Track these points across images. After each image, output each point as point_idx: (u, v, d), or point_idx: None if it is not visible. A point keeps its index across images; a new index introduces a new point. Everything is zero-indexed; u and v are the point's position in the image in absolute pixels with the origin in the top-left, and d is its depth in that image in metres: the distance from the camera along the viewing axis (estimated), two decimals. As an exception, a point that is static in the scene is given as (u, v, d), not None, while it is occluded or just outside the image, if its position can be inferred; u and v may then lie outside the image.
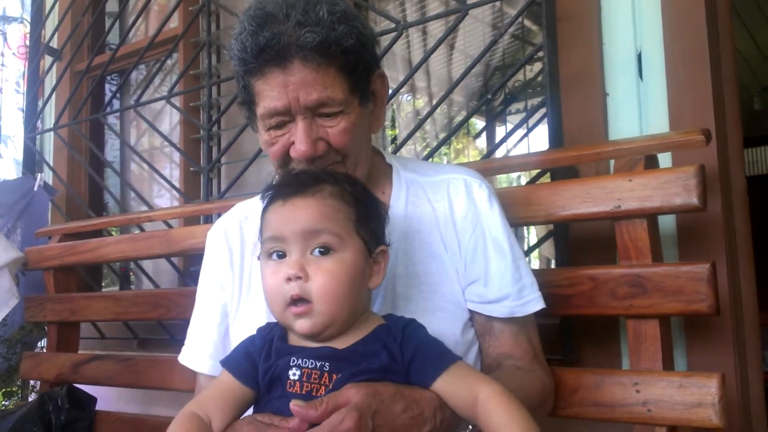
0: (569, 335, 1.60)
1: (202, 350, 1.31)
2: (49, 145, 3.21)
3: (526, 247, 2.21)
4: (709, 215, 1.50)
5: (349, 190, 1.03)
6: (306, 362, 0.96)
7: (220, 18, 2.71)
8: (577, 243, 1.64)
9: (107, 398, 2.19)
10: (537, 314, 1.24)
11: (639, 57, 1.68)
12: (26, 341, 2.58)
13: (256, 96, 1.15)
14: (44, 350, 2.59)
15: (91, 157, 3.01)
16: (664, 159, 1.50)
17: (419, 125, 1.99)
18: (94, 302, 2.25)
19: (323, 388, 0.95)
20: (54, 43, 3.11)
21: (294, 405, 0.91)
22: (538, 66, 2.86)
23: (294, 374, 0.96)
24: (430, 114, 1.98)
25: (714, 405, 1.21)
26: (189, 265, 2.56)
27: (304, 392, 0.95)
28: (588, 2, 1.72)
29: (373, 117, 1.24)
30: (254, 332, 1.08)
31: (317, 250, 0.98)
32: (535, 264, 3.53)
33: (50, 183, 3.03)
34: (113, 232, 2.91)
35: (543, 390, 1.21)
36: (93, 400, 2.11)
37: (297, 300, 0.96)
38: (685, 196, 1.28)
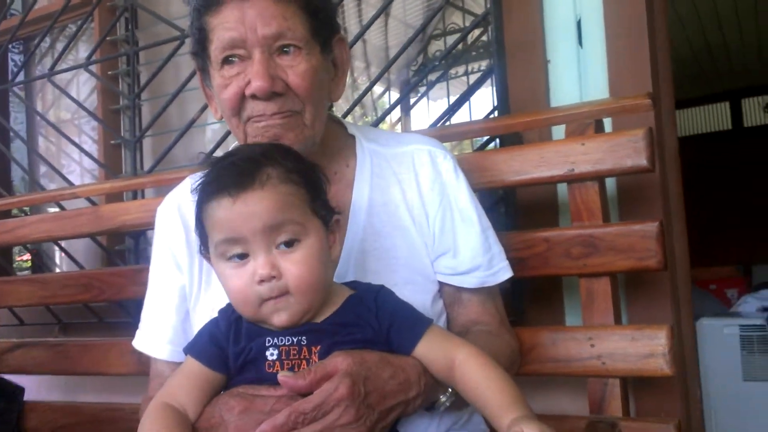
0: (519, 297, 1.64)
1: (159, 335, 1.25)
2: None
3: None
4: (649, 176, 1.57)
5: (293, 168, 0.97)
6: (282, 340, 0.95)
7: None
8: (523, 208, 1.67)
9: (35, 387, 2.07)
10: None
11: (578, 24, 1.72)
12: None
13: (210, 33, 1.10)
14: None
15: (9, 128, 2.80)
16: (607, 124, 1.55)
17: (358, 100, 1.97)
18: (15, 287, 2.11)
19: (304, 362, 0.95)
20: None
21: (282, 376, 0.91)
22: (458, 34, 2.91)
23: (272, 354, 0.95)
24: (368, 89, 1.96)
25: (665, 355, 1.28)
26: (115, 243, 2.45)
27: (285, 370, 0.93)
28: (529, -31, 1.74)
29: (334, 84, 1.20)
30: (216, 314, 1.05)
31: (282, 243, 0.94)
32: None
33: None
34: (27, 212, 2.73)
35: (511, 353, 1.24)
36: (21, 390, 1.99)
37: (272, 299, 0.94)
38: (635, 158, 1.33)
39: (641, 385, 1.56)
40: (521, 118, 1.52)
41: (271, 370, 0.94)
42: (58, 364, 1.97)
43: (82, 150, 2.38)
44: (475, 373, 0.97)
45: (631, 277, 1.60)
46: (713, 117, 7.20)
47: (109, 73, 2.54)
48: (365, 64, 2.64)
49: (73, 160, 3.13)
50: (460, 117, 2.00)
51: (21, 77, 2.94)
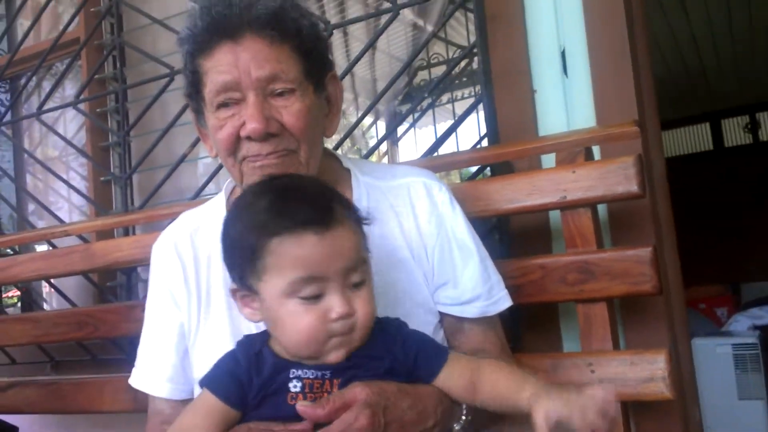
0: (516, 324, 1.64)
1: (158, 373, 1.24)
2: (-69, 158, 2.95)
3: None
4: (640, 202, 1.60)
5: (353, 207, 1.01)
6: (306, 373, 0.95)
7: (123, 20, 2.59)
8: (517, 235, 1.69)
9: (29, 426, 2.05)
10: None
11: (563, 54, 1.75)
12: (-77, 374, 2.36)
13: (204, 76, 1.10)
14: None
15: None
16: (595, 151, 1.58)
17: (348, 133, 1.99)
18: (6, 326, 2.10)
19: (326, 395, 0.94)
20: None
21: (300, 405, 0.91)
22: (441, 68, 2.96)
23: (295, 386, 0.94)
24: (358, 122, 1.98)
25: (664, 379, 1.29)
26: (107, 279, 2.43)
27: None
28: (513, 1, 1.78)
29: (328, 121, 1.22)
30: (218, 350, 1.03)
31: (355, 284, 0.95)
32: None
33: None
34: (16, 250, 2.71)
35: None
36: (15, 429, 1.98)
37: (341, 335, 0.95)
38: (625, 184, 1.35)
39: (641, 410, 1.57)
40: (511, 147, 1.55)
41: (293, 402, 0.94)
42: (52, 402, 1.95)
43: (71, 187, 2.38)
44: (492, 375, 1.01)
45: (626, 302, 1.61)
46: (695, 138, 7.31)
47: (98, 110, 2.54)
48: (353, 96, 2.67)
49: (62, 196, 3.12)
50: (447, 144, 2.02)
51: (9, 116, 2.95)
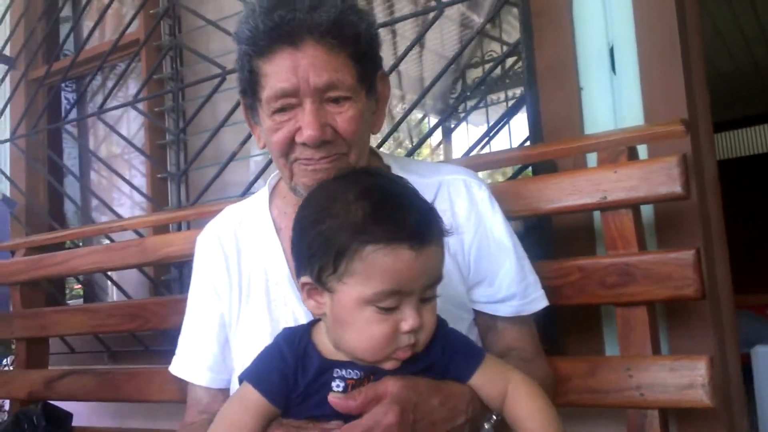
0: (554, 326, 1.62)
1: (199, 361, 1.28)
2: (4, 156, 3.10)
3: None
4: (686, 203, 1.55)
5: (444, 221, 0.98)
6: (350, 373, 0.95)
7: (181, 21, 2.67)
8: (560, 236, 1.66)
9: (83, 413, 2.13)
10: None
11: (611, 51, 1.72)
12: (-9, 360, 2.50)
13: (262, 78, 1.12)
14: (10, 368, 2.51)
15: (50, 166, 2.92)
16: (641, 150, 1.54)
17: (393, 129, 2.00)
18: (66, 316, 2.19)
19: None
20: (7, 51, 3.01)
21: (332, 397, 0.92)
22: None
23: (338, 386, 0.95)
24: (404, 117, 1.99)
25: (704, 386, 1.25)
26: (161, 274, 2.51)
27: None
28: (560, -2, 1.75)
29: (375, 117, 1.23)
30: (256, 340, 1.06)
31: (429, 297, 0.95)
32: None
33: (8, 195, 2.93)
34: (79, 244, 2.83)
35: (546, 379, 1.23)
36: (69, 416, 2.06)
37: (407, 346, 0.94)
38: (669, 185, 1.31)
39: (683, 417, 1.52)
40: (554, 147, 1.53)
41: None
42: (105, 391, 2.03)
43: (130, 184, 2.46)
44: (523, 402, 0.99)
45: (671, 306, 1.57)
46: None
47: (156, 109, 2.63)
48: (401, 93, 2.68)
49: (124, 193, 3.23)
50: (501, 143, 2.01)
51: (74, 115, 3.08)
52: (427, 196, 1.23)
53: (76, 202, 2.95)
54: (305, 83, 1.08)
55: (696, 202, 1.55)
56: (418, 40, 1.77)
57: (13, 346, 2.48)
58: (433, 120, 3.64)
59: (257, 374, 0.99)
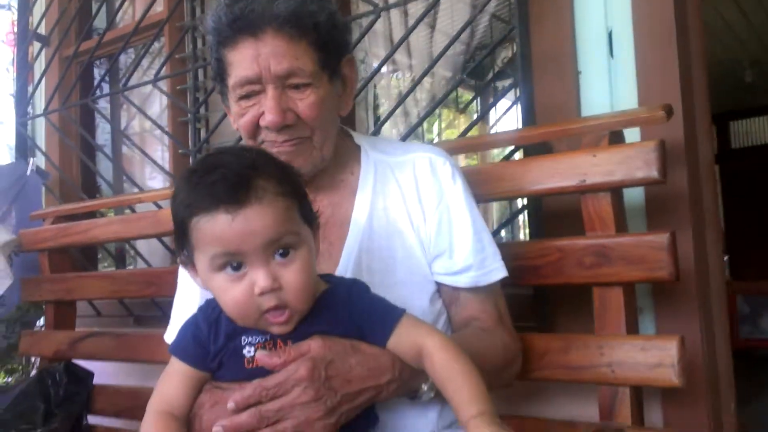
0: (542, 304, 1.67)
1: None
2: (40, 130, 3.25)
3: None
4: (675, 187, 1.57)
5: (283, 178, 0.99)
6: (257, 338, 1.00)
7: (204, 2, 2.75)
8: (549, 217, 1.70)
9: (104, 373, 2.26)
10: (508, 284, 1.32)
11: (610, 35, 1.73)
12: (25, 320, 2.65)
13: (228, 66, 1.20)
14: (43, 329, 2.66)
15: (82, 141, 3.05)
16: (634, 135, 1.56)
17: (400, 102, 2.05)
18: (89, 281, 2.32)
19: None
20: (42, 29, 3.13)
21: (259, 354, 0.98)
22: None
23: (249, 352, 1.00)
24: (410, 91, 2.03)
25: (673, 366, 1.28)
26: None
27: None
28: (559, -19, 1.76)
29: (342, 100, 1.30)
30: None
31: (279, 254, 0.96)
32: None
33: (43, 167, 3.08)
34: (110, 215, 2.97)
35: (506, 351, 1.28)
36: (90, 374, 2.19)
37: (273, 308, 0.96)
38: (645, 169, 1.34)
39: (668, 396, 1.56)
40: (539, 130, 1.57)
41: (249, 366, 1.00)
42: (123, 352, 2.15)
43: (149, 158, 2.57)
44: (441, 365, 1.01)
45: (659, 288, 1.60)
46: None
47: (177, 87, 2.72)
48: (411, 75, 2.71)
49: (155, 168, 3.36)
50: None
51: (107, 91, 3.20)
52: (395, 173, 1.31)
53: (107, 176, 3.07)
54: (267, 71, 1.15)
55: (683, 187, 1.57)
56: (419, 22, 1.81)
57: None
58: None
59: (179, 344, 1.05)
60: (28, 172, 2.91)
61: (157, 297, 2.22)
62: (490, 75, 3.31)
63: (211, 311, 1.04)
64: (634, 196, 1.62)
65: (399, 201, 1.28)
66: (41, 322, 2.71)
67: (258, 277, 0.94)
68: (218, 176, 0.95)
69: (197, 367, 1.04)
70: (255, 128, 1.20)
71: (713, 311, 1.64)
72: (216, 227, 0.93)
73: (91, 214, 2.52)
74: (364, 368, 1.02)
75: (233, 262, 0.95)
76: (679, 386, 1.28)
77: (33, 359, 2.67)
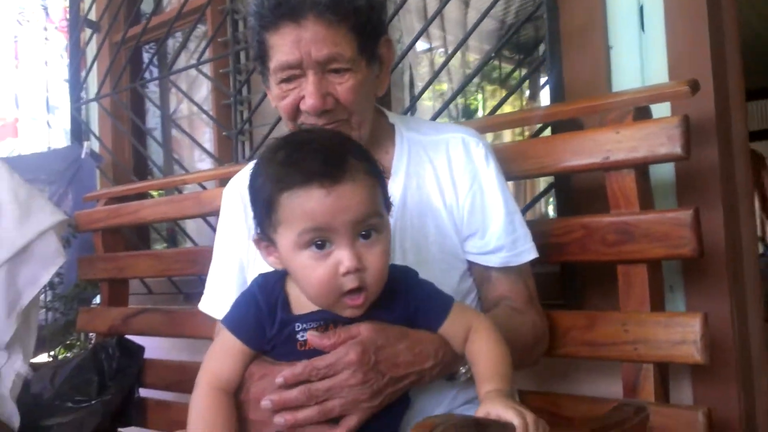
0: (570, 281, 1.67)
1: (223, 299, 1.40)
2: (94, 114, 3.38)
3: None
4: (706, 164, 1.55)
5: (371, 160, 1.03)
6: (310, 324, 1.03)
7: (246, -15, 2.80)
8: (577, 194, 1.70)
9: (154, 347, 2.37)
10: (537, 263, 1.34)
11: (641, 8, 1.70)
12: (82, 298, 2.80)
13: (269, 50, 1.23)
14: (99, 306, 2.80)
15: (133, 124, 3.16)
16: (665, 111, 1.54)
17: (432, 79, 2.06)
18: (139, 260, 2.42)
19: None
20: (92, 16, 3.24)
21: (311, 335, 1.01)
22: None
23: (302, 336, 1.03)
24: (442, 67, 2.05)
25: (696, 342, 1.28)
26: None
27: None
28: (589, -44, 1.74)
29: (378, 81, 1.33)
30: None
31: (362, 236, 0.97)
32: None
33: (96, 151, 3.21)
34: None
35: (535, 330, 1.31)
36: (141, 349, 2.30)
37: (354, 290, 0.98)
38: (669, 146, 1.33)
39: (698, 372, 1.55)
40: (565, 107, 1.57)
41: (302, 349, 1.03)
42: (171, 328, 2.25)
43: (194, 141, 2.67)
44: (477, 343, 1.06)
45: (689, 265, 1.58)
46: None
47: (221, 71, 2.79)
48: (444, 49, 2.71)
49: (204, 149, 3.46)
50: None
51: (156, 75, 3.31)
52: (428, 153, 1.34)
53: (157, 159, 3.18)
54: (307, 56, 1.18)
55: (714, 162, 1.55)
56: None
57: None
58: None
59: (236, 320, 1.07)
60: (83, 156, 3.04)
61: (202, 275, 2.30)
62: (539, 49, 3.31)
63: (271, 293, 1.06)
64: (664, 172, 1.61)
65: (432, 180, 1.32)
66: (98, 299, 2.85)
67: (344, 257, 0.96)
68: (311, 152, 0.98)
69: (251, 345, 1.06)
70: (295, 111, 1.24)
71: (746, 289, 1.62)
72: (310, 202, 0.95)
73: (142, 196, 2.64)
74: (411, 353, 1.05)
75: (319, 239, 0.96)
76: (702, 363, 1.28)
77: (90, 335, 2.82)
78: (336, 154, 0.98)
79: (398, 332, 1.06)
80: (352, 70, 1.21)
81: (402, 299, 1.07)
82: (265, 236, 1.04)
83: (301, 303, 1.05)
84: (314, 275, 0.98)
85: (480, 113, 3.53)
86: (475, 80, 3.13)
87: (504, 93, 3.96)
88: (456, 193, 1.31)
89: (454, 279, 1.29)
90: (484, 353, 1.05)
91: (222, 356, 1.08)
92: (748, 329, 1.62)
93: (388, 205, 1.06)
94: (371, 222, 0.98)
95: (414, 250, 1.28)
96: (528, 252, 1.31)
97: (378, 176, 1.03)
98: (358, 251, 0.97)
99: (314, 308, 1.03)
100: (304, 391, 1.01)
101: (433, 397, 1.18)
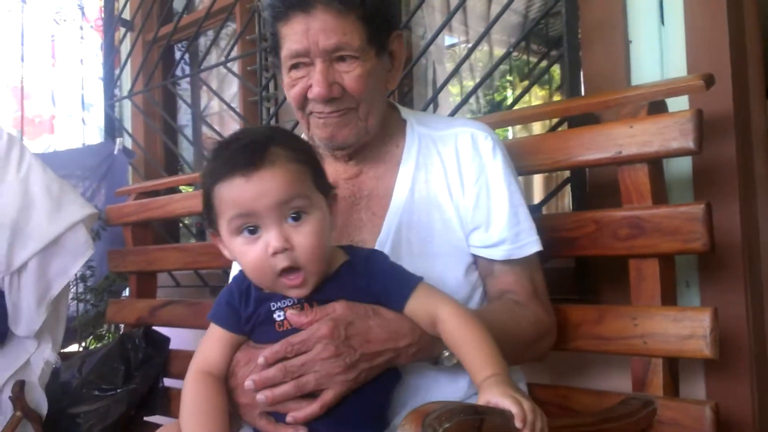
0: (584, 277, 1.67)
1: None
2: (127, 111, 3.46)
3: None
4: (724, 158, 1.53)
5: (297, 148, 1.07)
6: (284, 302, 1.08)
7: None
8: (594, 189, 1.70)
9: (180, 339, 2.43)
10: (550, 258, 1.35)
11: (661, 3, 1.69)
12: (112, 290, 2.87)
13: (281, 40, 1.27)
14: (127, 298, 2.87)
15: (165, 121, 3.24)
16: (683, 106, 1.53)
17: (453, 72, 2.07)
18: (167, 253, 2.48)
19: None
20: (126, 14, 3.33)
21: (290, 313, 1.06)
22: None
23: (279, 316, 1.08)
24: (463, 60, 2.05)
25: (705, 337, 1.27)
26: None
27: (294, 327, 1.07)
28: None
29: (390, 75, 1.35)
30: None
31: (291, 217, 1.03)
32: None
33: (129, 147, 3.29)
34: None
35: (538, 324, 1.31)
36: (167, 340, 2.36)
37: (287, 269, 1.03)
38: (681, 140, 1.32)
39: (712, 368, 1.54)
40: (579, 102, 1.57)
41: (281, 329, 1.08)
42: (195, 319, 2.29)
43: (220, 136, 2.70)
44: (453, 331, 1.07)
45: (704, 260, 1.57)
46: None
47: (248, 68, 2.84)
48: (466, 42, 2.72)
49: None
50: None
51: (188, 73, 3.38)
52: (437, 147, 1.35)
53: (186, 156, 3.25)
54: (315, 45, 1.21)
55: (732, 157, 1.53)
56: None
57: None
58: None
59: (215, 310, 1.14)
60: (116, 152, 3.12)
61: (227, 267, 2.35)
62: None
63: (242, 279, 1.12)
64: (682, 167, 1.60)
65: (440, 174, 1.33)
66: (127, 292, 2.92)
67: (271, 238, 1.01)
68: (237, 146, 1.05)
69: (231, 330, 1.12)
70: (303, 100, 1.27)
71: (764, 284, 1.60)
72: (233, 190, 1.02)
73: (172, 191, 2.70)
74: (384, 330, 1.08)
75: (250, 225, 1.02)
76: (712, 357, 1.27)
77: (120, 326, 2.89)
78: (258, 145, 1.04)
79: (371, 310, 1.10)
80: (360, 59, 1.24)
81: (366, 279, 1.10)
82: (216, 231, 1.10)
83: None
84: (248, 258, 1.04)
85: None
86: (508, 76, 3.14)
87: (537, 88, 3.98)
88: (463, 187, 1.32)
89: (459, 273, 1.30)
90: (464, 338, 1.05)
91: (209, 344, 1.14)
92: (765, 325, 1.60)
93: (324, 188, 1.10)
94: (296, 204, 1.03)
95: (420, 244, 1.30)
96: (531, 245, 1.31)
97: (304, 162, 1.07)
98: (286, 232, 1.02)
99: None
100: (281, 368, 1.05)
101: (443, 384, 1.20)
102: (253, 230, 1.03)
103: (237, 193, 1.02)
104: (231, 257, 1.11)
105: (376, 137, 1.35)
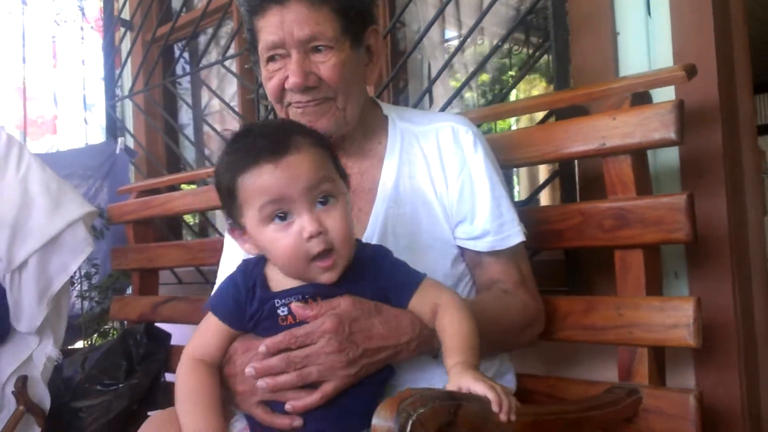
0: (573, 268, 1.69)
1: None
2: (128, 111, 3.50)
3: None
4: (710, 149, 1.55)
5: (315, 134, 1.11)
6: (289, 299, 1.08)
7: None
8: (583, 181, 1.71)
9: (181, 335, 2.45)
10: (539, 250, 1.35)
11: (648, -6, 1.70)
12: (116, 287, 2.91)
13: (257, 34, 1.30)
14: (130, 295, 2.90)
15: (166, 120, 3.26)
16: (669, 96, 1.54)
17: (446, 64, 2.08)
18: (168, 250, 2.52)
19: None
20: (126, 14, 3.35)
21: (295, 305, 1.07)
22: None
23: (283, 311, 1.08)
24: (454, 54, 2.07)
25: (688, 326, 1.28)
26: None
27: (297, 321, 1.08)
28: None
29: (368, 69, 1.37)
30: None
31: (320, 201, 1.04)
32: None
33: (131, 146, 3.32)
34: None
35: (525, 312, 1.33)
36: (168, 336, 2.39)
37: (321, 253, 1.03)
38: (663, 131, 1.33)
39: (701, 358, 1.56)
40: (566, 95, 1.58)
41: (283, 323, 1.08)
42: (197, 316, 2.28)
43: (219, 135, 2.73)
44: (445, 318, 1.09)
45: (693, 250, 1.58)
46: None
47: (246, 66, 2.87)
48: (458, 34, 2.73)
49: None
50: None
51: (187, 71, 3.40)
52: (420, 142, 1.37)
53: (187, 154, 3.28)
54: (290, 36, 1.24)
55: (717, 147, 1.54)
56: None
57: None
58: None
59: (217, 302, 1.14)
60: (117, 151, 3.16)
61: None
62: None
63: (250, 272, 1.12)
64: (669, 158, 1.61)
65: (423, 169, 1.35)
66: (131, 289, 2.96)
67: (305, 222, 1.02)
68: (256, 136, 1.06)
69: (233, 326, 1.12)
70: (281, 91, 1.29)
71: (752, 274, 1.61)
72: (262, 177, 1.02)
73: (173, 189, 2.73)
74: (386, 327, 1.10)
75: (280, 211, 1.03)
76: (695, 346, 1.28)
77: (125, 323, 2.93)
78: (280, 132, 1.06)
79: (374, 307, 1.11)
80: (335, 50, 1.26)
81: (373, 275, 1.11)
82: (237, 224, 1.11)
83: (279, 282, 1.10)
84: (281, 245, 1.04)
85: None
86: (510, 71, 3.15)
87: (539, 79, 3.97)
88: (446, 181, 1.34)
89: (446, 264, 1.33)
90: (451, 326, 1.07)
91: (205, 333, 1.15)
92: (753, 314, 1.61)
93: (343, 174, 1.12)
94: (324, 187, 1.05)
95: (406, 237, 1.32)
96: (515, 236, 1.33)
97: (326, 147, 1.09)
98: (318, 216, 1.03)
99: (293, 285, 1.09)
100: (284, 358, 1.06)
101: (438, 377, 1.19)
102: (283, 217, 1.04)
103: (266, 180, 1.02)
104: (253, 251, 1.11)
105: (358, 133, 1.38)
